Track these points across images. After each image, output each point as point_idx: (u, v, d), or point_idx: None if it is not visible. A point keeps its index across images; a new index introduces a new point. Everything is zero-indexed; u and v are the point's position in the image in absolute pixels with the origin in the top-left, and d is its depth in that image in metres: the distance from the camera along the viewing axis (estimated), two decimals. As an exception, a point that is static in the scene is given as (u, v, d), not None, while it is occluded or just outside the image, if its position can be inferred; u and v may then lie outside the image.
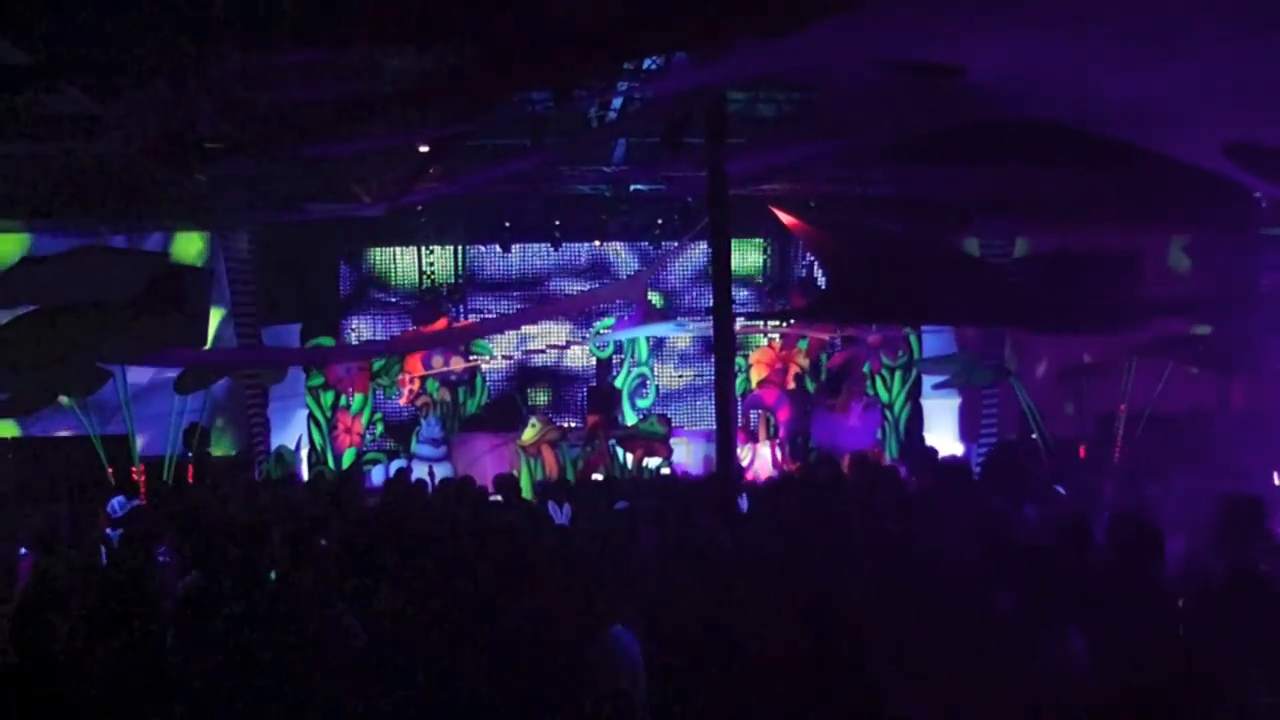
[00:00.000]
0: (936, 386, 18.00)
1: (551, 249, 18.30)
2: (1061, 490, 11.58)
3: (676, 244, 17.47)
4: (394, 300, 18.57)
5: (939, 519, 8.78)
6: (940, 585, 6.32)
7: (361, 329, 18.51)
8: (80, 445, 14.79)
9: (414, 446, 17.44)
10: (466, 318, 18.31)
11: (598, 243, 18.43)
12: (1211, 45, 6.85)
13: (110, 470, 14.21)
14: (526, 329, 18.62)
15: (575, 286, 18.63)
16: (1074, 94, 8.48)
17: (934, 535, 8.03)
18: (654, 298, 18.28)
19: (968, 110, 10.06)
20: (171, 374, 15.29)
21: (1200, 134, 8.89)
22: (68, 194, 12.72)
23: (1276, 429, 12.79)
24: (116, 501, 12.29)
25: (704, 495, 11.65)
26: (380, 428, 18.11)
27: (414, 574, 7.09)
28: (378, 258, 18.54)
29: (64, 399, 14.73)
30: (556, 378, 18.96)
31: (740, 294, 17.80)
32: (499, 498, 12.38)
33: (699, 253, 18.11)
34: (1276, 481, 12.13)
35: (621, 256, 18.82)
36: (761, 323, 18.27)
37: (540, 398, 18.85)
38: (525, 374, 18.88)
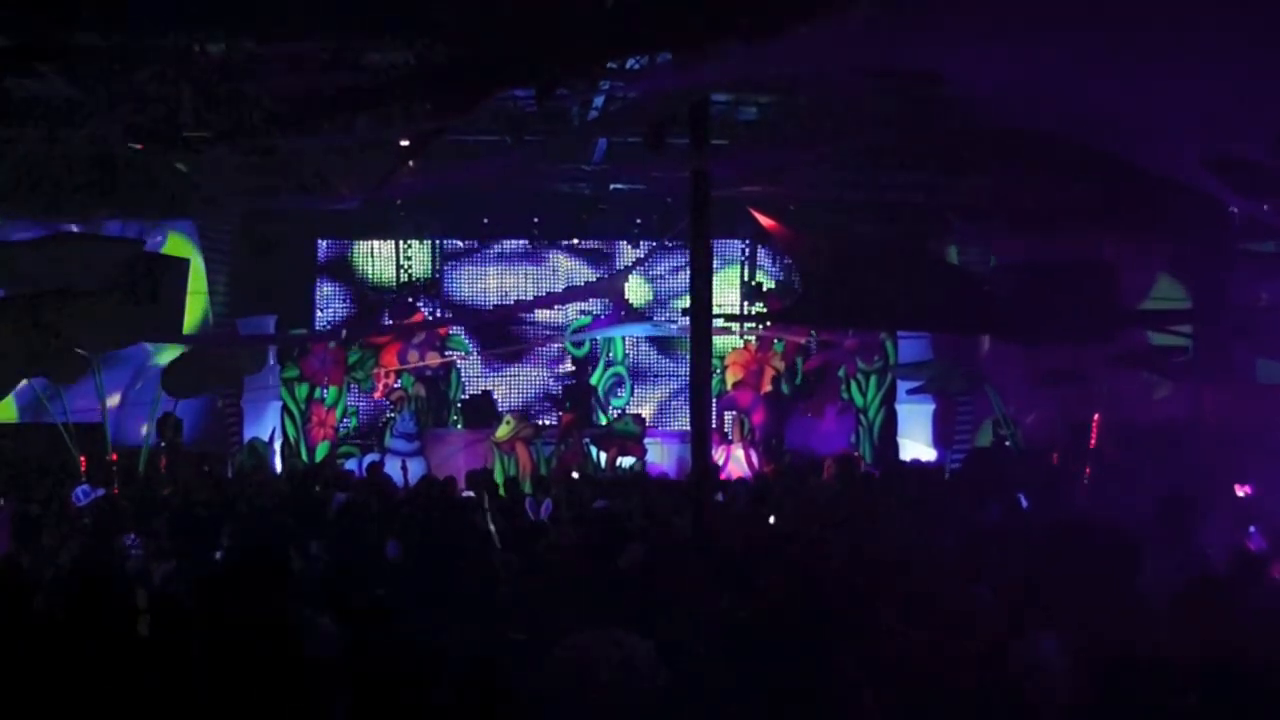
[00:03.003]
0: (911, 391, 18.06)
1: (529, 246, 18.32)
2: (1023, 498, 11.65)
3: (655, 244, 17.48)
4: (370, 294, 18.48)
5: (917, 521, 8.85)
6: (917, 585, 6.35)
7: (337, 322, 18.42)
8: (54, 432, 14.68)
9: (388, 440, 17.39)
10: (442, 313, 18.29)
11: (576, 241, 18.40)
12: (1192, 57, 6.90)
13: (83, 459, 14.10)
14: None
15: (553, 284, 18.57)
16: (1054, 103, 8.52)
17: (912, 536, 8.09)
18: (639, 289, 18.32)
19: (949, 118, 10.10)
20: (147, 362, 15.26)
21: (1178, 147, 8.95)
22: (44, 181, 12.64)
23: (1247, 440, 12.86)
24: (81, 490, 12.21)
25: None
26: (354, 421, 18.06)
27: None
28: (355, 251, 18.45)
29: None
30: (532, 375, 18.91)
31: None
32: (470, 494, 12.38)
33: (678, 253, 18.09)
34: (1239, 493, 12.21)
35: (600, 255, 18.77)
36: (737, 325, 18.29)
37: (515, 395, 18.80)
38: (500, 371, 18.81)
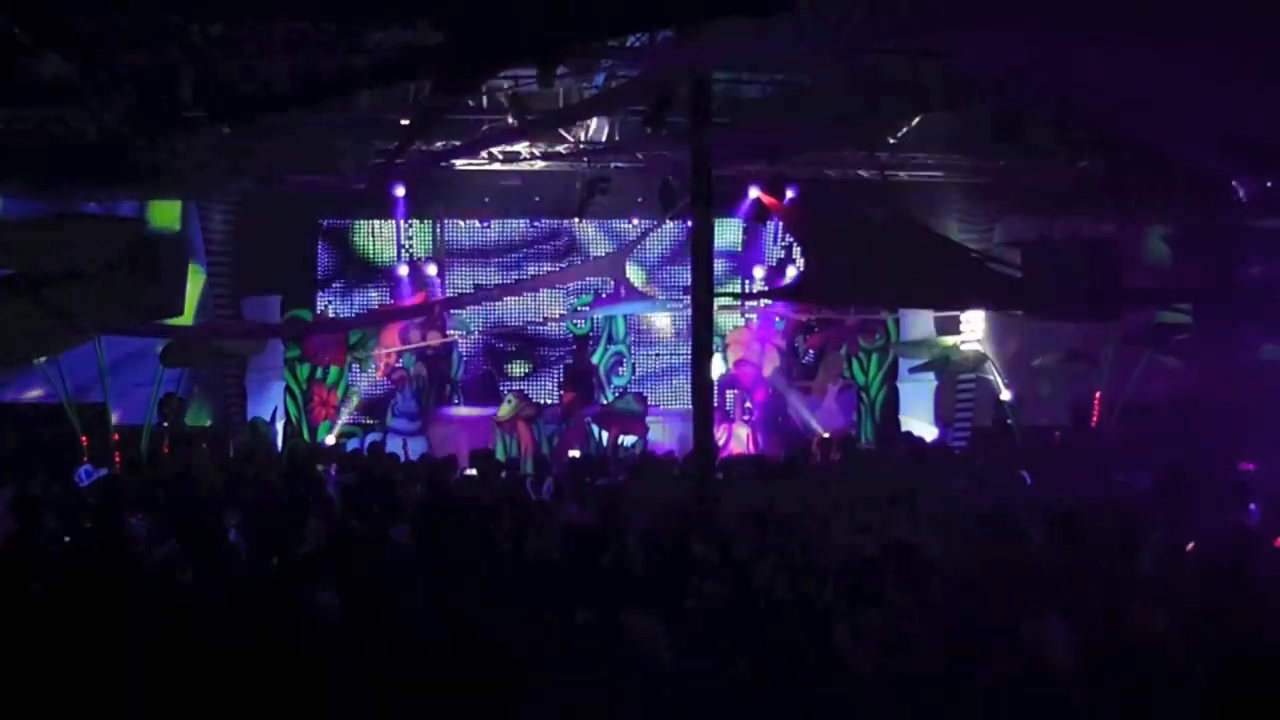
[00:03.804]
0: (913, 370, 18.04)
1: (530, 225, 18.27)
2: (1027, 477, 11.68)
3: (657, 222, 17.43)
4: (372, 273, 18.43)
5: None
6: (925, 570, 6.36)
7: (338, 301, 18.36)
8: (52, 411, 14.66)
9: (389, 420, 17.39)
10: (444, 292, 18.22)
11: (577, 220, 18.31)
12: (1201, 35, 6.87)
13: (84, 439, 14.10)
14: (505, 304, 18.51)
15: (554, 263, 18.51)
16: (1061, 82, 8.50)
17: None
18: (634, 274, 18.23)
19: (954, 96, 10.08)
20: (148, 342, 15.22)
21: (1186, 124, 8.92)
22: (43, 160, 12.61)
23: (1251, 418, 12.86)
24: (84, 470, 12.21)
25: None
26: (356, 401, 18.02)
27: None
28: (356, 230, 18.38)
29: (38, 362, 14.62)
30: (533, 354, 18.86)
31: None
32: (473, 472, 12.40)
33: (678, 230, 17.99)
34: (1242, 470, 12.22)
35: (599, 234, 18.69)
36: (739, 303, 18.24)
37: (517, 374, 18.76)
38: (502, 350, 18.76)
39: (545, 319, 18.51)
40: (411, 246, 18.21)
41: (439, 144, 14.21)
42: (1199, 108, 8.37)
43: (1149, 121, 9.17)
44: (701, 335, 11.30)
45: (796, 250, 17.82)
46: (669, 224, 17.76)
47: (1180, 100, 8.22)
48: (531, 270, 18.44)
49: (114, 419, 14.78)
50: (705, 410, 11.06)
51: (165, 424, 14.97)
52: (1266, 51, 6.76)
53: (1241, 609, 5.91)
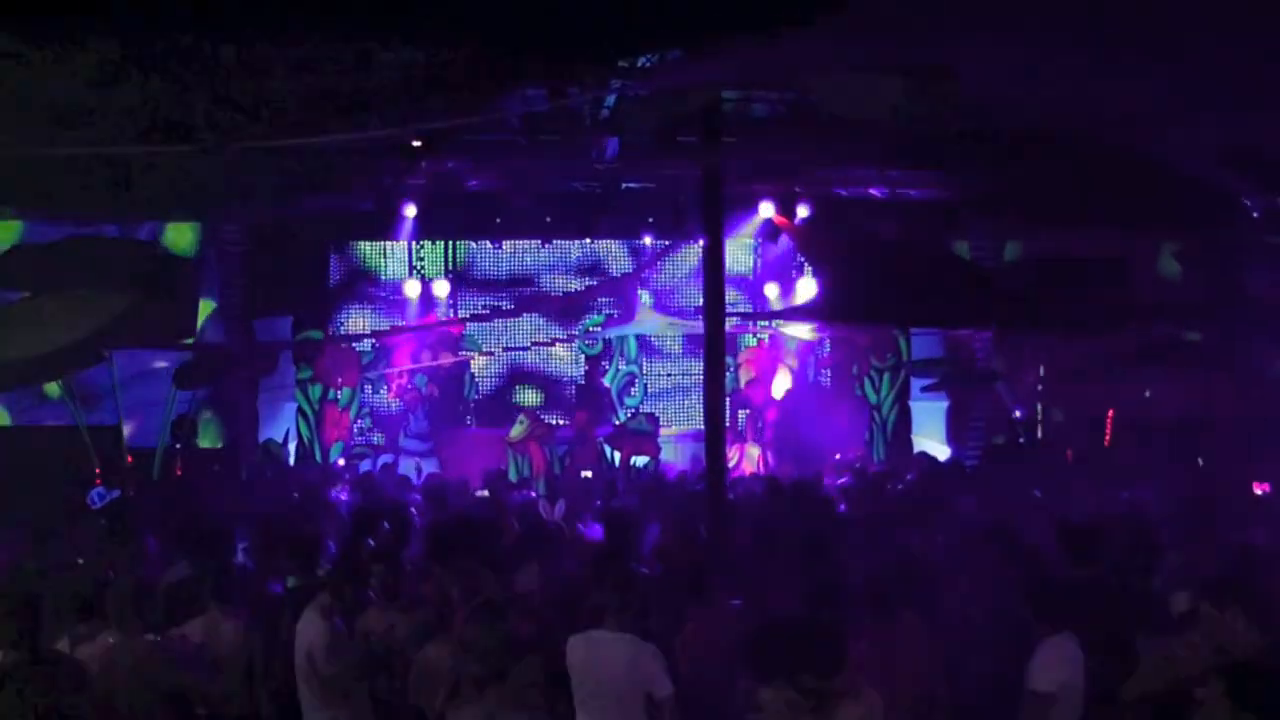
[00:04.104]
0: (925, 389, 18.01)
1: (542, 245, 18.26)
2: (1038, 494, 11.63)
3: (668, 242, 17.44)
4: (384, 294, 18.41)
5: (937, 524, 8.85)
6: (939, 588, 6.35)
7: (351, 322, 18.36)
8: (67, 434, 14.66)
9: (401, 441, 17.39)
10: (456, 313, 18.23)
11: (588, 240, 18.31)
12: (1205, 49, 6.87)
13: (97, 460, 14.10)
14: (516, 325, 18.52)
15: (566, 283, 18.52)
16: (1068, 98, 8.49)
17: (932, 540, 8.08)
18: (644, 296, 18.24)
19: (962, 114, 10.07)
20: (160, 363, 15.27)
21: (1195, 138, 8.91)
22: (60, 182, 12.65)
23: (1262, 436, 12.80)
24: (96, 493, 12.21)
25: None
26: (368, 422, 18.02)
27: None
28: (368, 251, 18.38)
29: (51, 387, 14.66)
30: (545, 375, 18.84)
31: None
32: (485, 493, 12.40)
33: (691, 251, 17.99)
34: (1257, 491, 12.15)
35: (612, 254, 18.67)
36: (751, 322, 18.24)
37: (529, 395, 18.73)
38: (514, 371, 18.74)
39: (554, 341, 18.50)
40: (423, 267, 18.22)
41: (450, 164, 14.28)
42: (1204, 122, 8.37)
43: (1155, 136, 9.17)
44: (714, 355, 11.31)
45: (809, 269, 17.82)
46: (683, 245, 17.80)
47: (1186, 114, 8.22)
48: (545, 290, 18.47)
49: (126, 432, 14.79)
50: (718, 430, 11.05)
51: (178, 445, 14.97)
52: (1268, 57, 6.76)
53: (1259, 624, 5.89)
